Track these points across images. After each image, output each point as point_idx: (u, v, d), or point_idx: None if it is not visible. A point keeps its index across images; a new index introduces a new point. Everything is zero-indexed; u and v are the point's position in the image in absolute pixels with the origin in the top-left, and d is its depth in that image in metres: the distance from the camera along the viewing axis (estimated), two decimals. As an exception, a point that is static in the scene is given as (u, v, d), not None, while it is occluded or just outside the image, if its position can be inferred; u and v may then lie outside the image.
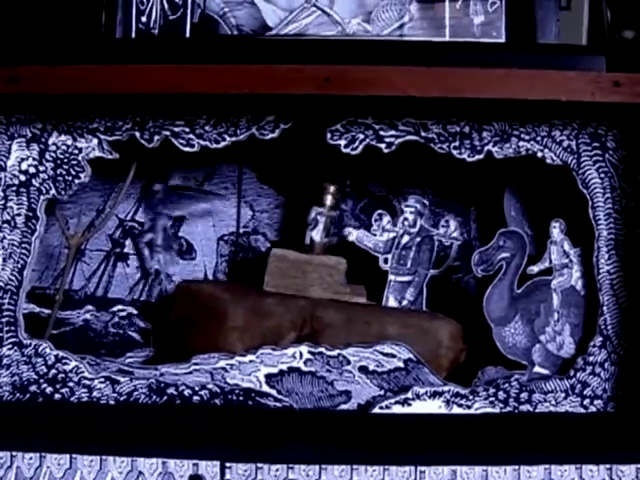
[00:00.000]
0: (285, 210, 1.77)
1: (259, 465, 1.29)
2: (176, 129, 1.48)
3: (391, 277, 1.63)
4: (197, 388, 1.49)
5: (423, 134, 1.48)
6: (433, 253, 1.62)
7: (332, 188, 1.65)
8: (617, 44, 1.74)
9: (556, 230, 1.54)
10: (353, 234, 1.63)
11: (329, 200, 1.65)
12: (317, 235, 1.64)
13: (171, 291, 1.74)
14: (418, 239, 1.63)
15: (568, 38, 1.74)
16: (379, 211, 1.64)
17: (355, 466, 1.29)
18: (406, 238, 1.63)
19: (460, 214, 1.73)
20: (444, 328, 1.55)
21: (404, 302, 1.62)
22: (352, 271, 1.67)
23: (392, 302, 1.63)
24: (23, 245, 1.49)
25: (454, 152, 1.48)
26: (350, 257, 1.64)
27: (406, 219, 1.63)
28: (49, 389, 1.50)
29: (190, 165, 1.73)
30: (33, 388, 1.50)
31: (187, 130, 1.48)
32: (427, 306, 1.62)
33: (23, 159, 1.50)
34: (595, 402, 1.49)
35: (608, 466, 1.30)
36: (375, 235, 1.63)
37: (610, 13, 1.75)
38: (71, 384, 1.50)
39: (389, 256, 1.63)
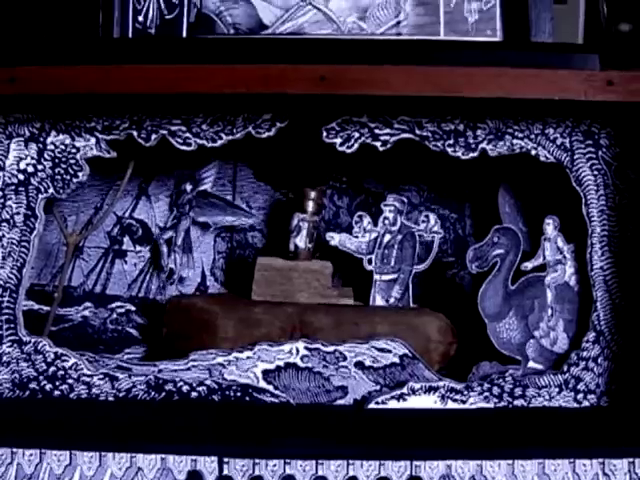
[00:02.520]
0: (272, 216, 1.79)
1: (256, 460, 1.30)
2: (173, 128, 1.49)
3: (376, 277, 1.64)
4: (195, 384, 1.50)
5: (418, 132, 1.49)
6: (416, 249, 1.63)
7: (313, 194, 1.66)
8: (613, 37, 1.75)
9: (550, 227, 1.55)
10: (335, 238, 1.64)
11: (310, 206, 1.66)
12: (301, 241, 1.65)
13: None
14: (400, 237, 1.64)
15: (564, 32, 1.74)
16: (359, 213, 1.65)
17: (351, 461, 1.30)
18: (388, 237, 1.64)
19: (455, 211, 1.74)
20: (432, 323, 1.57)
21: (391, 300, 1.63)
22: (339, 273, 1.70)
23: (379, 301, 1.64)
24: (22, 243, 1.50)
25: (449, 150, 1.49)
26: (335, 259, 1.66)
27: (386, 218, 1.64)
28: (49, 386, 1.51)
29: (187, 163, 1.74)
30: (33, 385, 1.51)
31: (184, 129, 1.49)
32: (414, 302, 1.63)
33: (22, 158, 1.50)
34: (588, 397, 1.51)
35: (601, 460, 1.31)
36: (357, 237, 1.64)
37: (606, 6, 1.75)
38: (70, 381, 1.50)
39: (372, 256, 1.64)
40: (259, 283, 1.63)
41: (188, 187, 1.71)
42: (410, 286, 1.63)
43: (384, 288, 1.63)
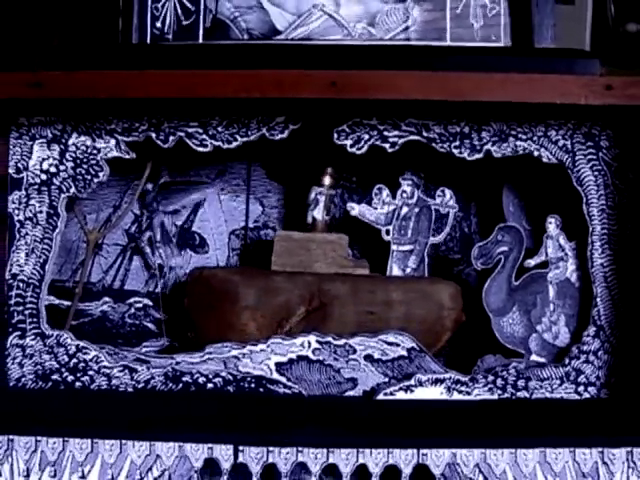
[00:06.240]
0: (288, 197, 1.82)
1: (270, 449, 1.35)
2: (190, 130, 1.53)
3: (393, 247, 1.68)
4: (211, 376, 1.54)
5: (425, 134, 1.52)
6: (432, 222, 1.67)
7: (329, 169, 1.70)
8: (621, 37, 1.76)
9: (552, 225, 1.58)
10: (355, 209, 1.68)
11: (327, 180, 1.70)
12: (318, 214, 1.69)
13: (177, 281, 1.80)
14: (417, 209, 1.67)
15: (572, 33, 1.76)
16: (378, 185, 1.68)
17: (361, 449, 1.34)
18: (405, 209, 1.67)
19: (461, 210, 1.76)
20: (445, 290, 1.61)
21: (407, 270, 1.67)
22: (357, 244, 1.75)
23: (396, 271, 1.67)
24: (45, 241, 1.54)
25: (455, 151, 1.53)
26: (354, 231, 1.70)
27: (404, 191, 1.68)
28: (70, 377, 1.55)
29: (203, 162, 1.78)
30: (55, 377, 1.55)
31: (200, 131, 1.53)
32: (429, 272, 1.66)
33: (44, 159, 1.54)
34: (589, 389, 1.54)
35: (600, 449, 1.35)
36: (376, 209, 1.68)
37: (614, 7, 1.77)
38: (91, 373, 1.55)
39: (390, 227, 1.68)
40: (278, 254, 1.65)
41: (149, 186, 1.76)
42: (426, 257, 1.66)
43: (401, 258, 1.67)
